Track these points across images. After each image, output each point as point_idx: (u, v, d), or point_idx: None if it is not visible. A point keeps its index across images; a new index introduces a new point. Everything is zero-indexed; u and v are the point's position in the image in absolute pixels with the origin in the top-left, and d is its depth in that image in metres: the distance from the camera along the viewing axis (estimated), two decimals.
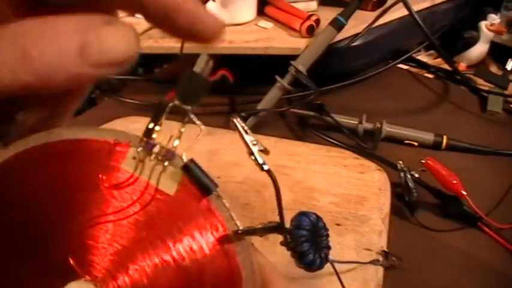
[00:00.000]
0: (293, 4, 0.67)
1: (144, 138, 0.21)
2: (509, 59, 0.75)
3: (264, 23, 0.66)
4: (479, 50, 0.74)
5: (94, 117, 0.65)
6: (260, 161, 0.22)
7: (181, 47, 0.60)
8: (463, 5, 0.75)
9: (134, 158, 0.21)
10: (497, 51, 0.75)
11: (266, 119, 0.60)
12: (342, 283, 0.35)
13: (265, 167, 0.22)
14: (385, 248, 0.41)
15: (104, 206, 0.20)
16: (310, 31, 0.62)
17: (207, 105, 0.62)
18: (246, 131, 0.22)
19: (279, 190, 0.22)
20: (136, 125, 0.57)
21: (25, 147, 0.20)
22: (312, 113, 0.60)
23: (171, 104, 0.22)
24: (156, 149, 0.21)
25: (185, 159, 0.21)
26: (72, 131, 0.21)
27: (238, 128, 0.22)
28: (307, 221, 0.31)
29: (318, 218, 0.32)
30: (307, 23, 0.61)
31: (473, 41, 0.73)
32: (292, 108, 0.60)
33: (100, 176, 0.20)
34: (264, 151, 0.22)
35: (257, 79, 0.60)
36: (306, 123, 0.61)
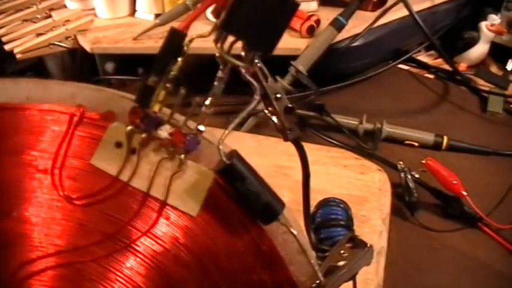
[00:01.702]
0: None
1: (140, 107, 0.12)
2: (510, 60, 0.74)
3: None
4: (479, 50, 0.73)
5: None
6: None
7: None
8: (464, 5, 0.75)
9: (119, 144, 0.12)
10: (498, 52, 0.75)
11: (266, 119, 0.60)
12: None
13: (291, 135, 0.14)
14: (385, 248, 0.41)
15: (62, 236, 0.12)
16: (311, 31, 0.62)
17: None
18: (265, 76, 0.15)
19: (307, 165, 0.15)
20: None
21: None
22: (312, 113, 0.60)
23: (194, 36, 0.13)
24: (162, 131, 0.12)
25: (224, 153, 0.12)
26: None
27: (245, 77, 0.16)
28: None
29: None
30: (308, 23, 0.61)
31: (473, 42, 0.73)
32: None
33: (48, 180, 0.12)
34: (290, 109, 0.15)
35: None
36: (306, 124, 0.61)
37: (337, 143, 0.57)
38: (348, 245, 0.19)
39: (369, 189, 0.47)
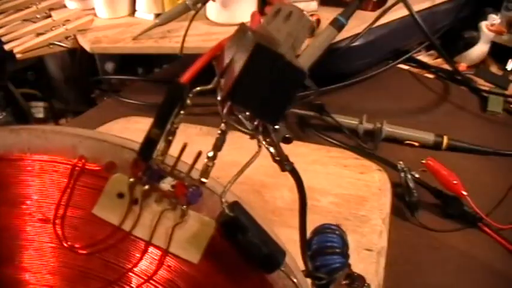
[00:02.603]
0: (293, 4, 0.67)
1: (142, 159, 0.12)
2: (510, 59, 0.74)
3: None
4: (479, 50, 0.73)
5: (94, 117, 0.65)
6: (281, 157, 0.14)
7: (181, 47, 0.60)
8: (464, 5, 0.75)
9: (121, 195, 0.12)
10: (498, 52, 0.75)
11: None
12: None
13: (288, 166, 0.14)
14: (385, 248, 0.41)
15: (63, 284, 0.12)
16: (311, 31, 0.62)
17: (207, 105, 0.62)
18: None
19: (304, 196, 0.15)
20: (137, 125, 0.56)
21: None
22: (312, 113, 0.60)
23: (196, 90, 0.13)
24: (165, 184, 0.12)
25: (226, 204, 0.12)
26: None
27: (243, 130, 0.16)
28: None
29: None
30: None
31: (473, 41, 0.73)
32: (292, 108, 0.60)
33: (49, 229, 0.12)
34: (287, 139, 0.16)
35: None
36: (306, 123, 0.61)
37: (337, 143, 0.57)
38: (345, 282, 0.19)
39: (368, 189, 0.47)
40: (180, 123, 0.15)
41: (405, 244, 0.44)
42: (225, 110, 0.16)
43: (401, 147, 0.57)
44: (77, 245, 0.14)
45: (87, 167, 0.14)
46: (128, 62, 0.81)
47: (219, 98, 0.15)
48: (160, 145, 0.14)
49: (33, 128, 0.15)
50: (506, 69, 0.74)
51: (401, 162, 0.49)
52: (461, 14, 0.75)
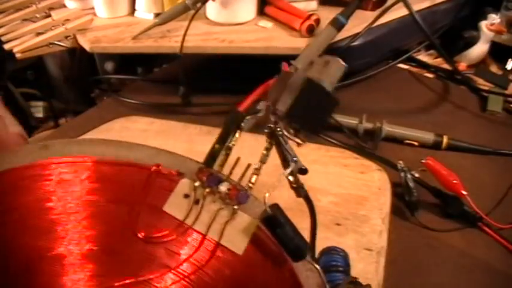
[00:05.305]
0: (293, 4, 0.67)
1: (206, 168, 0.14)
2: (509, 59, 0.74)
3: (264, 23, 0.66)
4: (479, 49, 0.73)
5: (93, 117, 0.65)
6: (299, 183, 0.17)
7: (181, 47, 0.60)
8: (463, 4, 0.75)
9: (187, 196, 0.15)
10: (498, 51, 0.75)
11: (265, 119, 0.60)
12: None
13: (303, 192, 0.18)
14: (385, 247, 0.41)
15: (135, 267, 0.14)
16: (310, 31, 0.62)
17: (207, 105, 0.62)
18: (286, 141, 0.19)
19: (315, 217, 0.18)
20: (136, 125, 0.56)
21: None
22: None
23: (249, 118, 0.18)
24: (223, 187, 0.15)
25: (268, 205, 0.14)
26: (88, 145, 0.15)
27: (284, 150, 0.19)
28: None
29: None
30: (307, 23, 0.61)
31: (473, 41, 0.73)
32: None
33: (130, 221, 0.15)
34: (303, 171, 0.19)
35: (257, 79, 0.60)
36: None
37: (337, 143, 0.57)
38: (351, 286, 0.21)
39: (368, 188, 0.47)
40: (236, 141, 0.18)
41: (405, 244, 0.44)
42: (281, 125, 0.21)
43: (401, 147, 0.57)
44: (148, 235, 0.16)
45: (162, 171, 0.17)
46: (128, 62, 0.81)
47: (273, 119, 0.19)
48: (220, 157, 0.18)
49: (123, 143, 0.18)
50: (506, 68, 0.74)
51: (401, 162, 0.49)
52: (461, 13, 0.75)
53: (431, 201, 0.48)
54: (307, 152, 0.53)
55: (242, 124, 0.17)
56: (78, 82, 0.81)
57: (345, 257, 0.34)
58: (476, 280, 0.41)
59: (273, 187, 0.16)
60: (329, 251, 0.33)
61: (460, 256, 0.43)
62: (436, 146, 0.57)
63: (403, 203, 0.47)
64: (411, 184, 0.47)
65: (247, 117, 0.17)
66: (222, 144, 0.17)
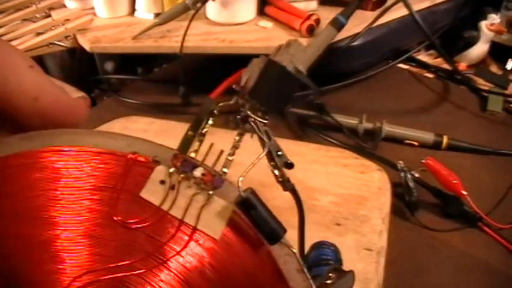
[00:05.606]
0: (293, 4, 0.67)
1: (180, 154, 0.16)
2: (510, 59, 0.74)
3: (264, 23, 0.66)
4: (479, 49, 0.73)
5: (93, 117, 0.65)
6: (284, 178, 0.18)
7: (181, 47, 0.60)
8: (463, 4, 0.75)
9: (162, 182, 0.16)
10: (498, 51, 0.75)
11: None
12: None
13: (289, 186, 0.18)
14: (385, 247, 0.41)
15: (116, 252, 0.15)
16: (310, 31, 0.62)
17: None
18: (269, 137, 0.20)
19: (302, 211, 0.19)
20: (136, 125, 0.56)
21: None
22: (312, 113, 0.60)
23: (232, 101, 0.18)
24: (197, 172, 0.16)
25: (242, 189, 0.15)
26: (70, 134, 0.16)
27: (258, 134, 0.20)
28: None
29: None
30: (307, 23, 0.61)
31: (473, 41, 0.73)
32: (292, 108, 0.60)
33: (110, 207, 0.15)
34: (289, 165, 0.20)
35: None
36: (306, 123, 0.61)
37: (337, 143, 0.57)
38: (333, 272, 0.22)
39: (368, 188, 0.47)
40: (209, 127, 0.19)
41: (405, 244, 0.44)
42: (247, 107, 0.21)
43: (401, 147, 0.57)
44: (126, 220, 0.17)
45: (138, 159, 0.18)
46: (128, 62, 0.81)
47: (240, 102, 0.20)
48: (194, 143, 0.19)
49: (104, 133, 0.20)
50: (506, 68, 0.74)
51: (401, 162, 0.49)
52: (461, 13, 0.75)
53: (431, 201, 0.48)
54: (307, 152, 0.53)
55: (215, 111, 0.19)
56: (78, 82, 0.81)
57: (335, 251, 0.34)
58: (476, 280, 0.41)
59: (245, 171, 0.17)
60: (319, 245, 0.33)
61: (460, 256, 0.43)
62: (436, 146, 0.57)
63: (403, 203, 0.47)
64: (411, 184, 0.47)
65: (220, 104, 0.19)
66: (195, 130, 0.18)
